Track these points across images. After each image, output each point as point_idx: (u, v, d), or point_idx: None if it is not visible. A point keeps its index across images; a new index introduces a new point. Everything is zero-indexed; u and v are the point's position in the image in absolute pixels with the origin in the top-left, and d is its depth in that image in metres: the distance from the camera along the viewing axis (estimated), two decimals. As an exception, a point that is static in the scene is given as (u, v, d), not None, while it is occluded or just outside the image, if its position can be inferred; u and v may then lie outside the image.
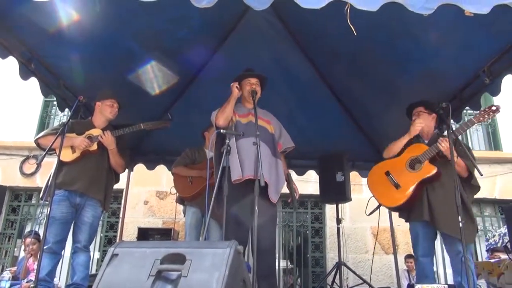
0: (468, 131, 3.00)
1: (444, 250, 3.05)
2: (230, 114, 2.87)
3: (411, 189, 2.96)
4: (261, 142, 2.51)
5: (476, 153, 7.48)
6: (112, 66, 3.36)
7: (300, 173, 5.12)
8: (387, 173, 3.12)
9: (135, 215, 6.85)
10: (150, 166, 5.06)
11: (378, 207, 3.29)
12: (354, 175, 4.87)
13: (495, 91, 2.90)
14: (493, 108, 2.88)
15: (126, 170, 4.74)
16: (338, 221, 4.51)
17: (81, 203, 3.02)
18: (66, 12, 2.69)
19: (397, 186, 3.04)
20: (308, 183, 6.05)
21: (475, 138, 7.95)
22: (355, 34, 1.92)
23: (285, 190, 2.94)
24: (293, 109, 4.33)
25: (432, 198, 2.94)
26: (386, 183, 3.10)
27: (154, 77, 3.75)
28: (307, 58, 3.95)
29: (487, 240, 5.71)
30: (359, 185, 6.34)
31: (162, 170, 5.14)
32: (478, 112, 2.99)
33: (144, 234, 4.97)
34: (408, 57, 3.11)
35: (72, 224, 3.01)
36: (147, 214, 7.00)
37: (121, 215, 5.42)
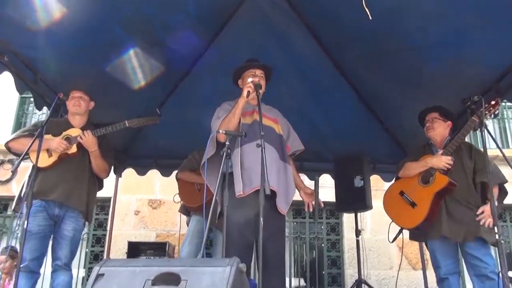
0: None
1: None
2: (236, 124, 2.81)
3: (427, 205, 3.09)
4: (267, 144, 2.50)
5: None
6: (97, 57, 3.38)
7: (313, 177, 5.07)
8: (401, 193, 3.30)
9: (125, 227, 6.89)
10: (141, 171, 5.09)
11: (400, 231, 3.44)
12: (375, 179, 4.86)
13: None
14: (492, 102, 2.96)
15: (114, 176, 4.83)
16: (358, 232, 4.52)
17: (60, 214, 3.03)
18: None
19: (413, 204, 3.19)
20: (323, 188, 5.99)
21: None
22: (370, 18, 1.94)
23: (295, 197, 2.93)
24: (304, 104, 4.34)
25: (451, 209, 3.09)
26: (402, 203, 3.27)
27: (143, 69, 3.77)
28: (320, 45, 3.96)
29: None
30: (381, 191, 6.21)
31: (154, 176, 5.18)
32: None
33: (135, 249, 5.01)
34: (437, 43, 3.12)
35: (51, 239, 3.03)
36: (138, 226, 7.03)
37: (108, 227, 5.46)
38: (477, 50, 3.05)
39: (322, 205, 2.98)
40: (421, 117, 3.48)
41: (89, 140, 3.11)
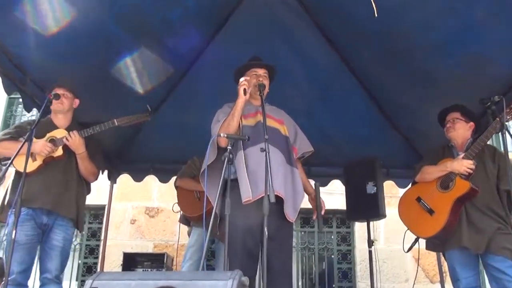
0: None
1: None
2: (236, 127, 2.81)
3: (446, 212, 3.06)
4: (272, 147, 2.50)
5: None
6: (91, 56, 3.39)
7: (323, 183, 5.07)
8: (418, 199, 3.28)
9: (120, 237, 6.92)
10: (138, 177, 5.11)
11: (416, 240, 3.42)
12: (389, 186, 4.88)
13: None
14: None
15: (108, 182, 4.88)
16: (370, 242, 4.51)
17: (49, 223, 3.03)
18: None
19: (430, 211, 3.17)
20: (333, 196, 6.02)
21: None
22: (376, 15, 1.97)
23: (303, 204, 2.93)
24: (312, 105, 4.37)
25: (472, 217, 3.06)
26: (419, 210, 3.25)
27: (140, 68, 3.79)
28: (329, 42, 3.98)
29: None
30: (395, 198, 6.20)
31: (152, 182, 5.21)
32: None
33: (131, 260, 5.01)
34: (453, 39, 3.13)
35: (38, 249, 3.03)
36: (135, 236, 7.06)
37: (102, 237, 5.48)
38: (495, 47, 3.06)
39: (323, 212, 2.95)
40: (441, 117, 3.45)
41: (76, 142, 3.09)
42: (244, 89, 2.78)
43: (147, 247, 6.91)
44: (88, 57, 3.39)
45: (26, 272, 2.91)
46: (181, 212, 4.09)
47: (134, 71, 3.76)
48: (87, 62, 3.42)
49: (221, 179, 2.36)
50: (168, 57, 3.82)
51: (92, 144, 3.30)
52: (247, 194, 2.62)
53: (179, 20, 3.49)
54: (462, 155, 3.13)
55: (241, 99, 2.79)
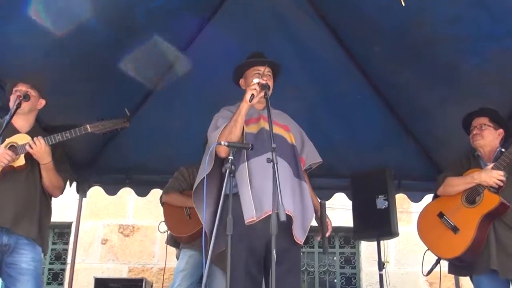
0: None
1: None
2: (239, 135, 2.78)
3: (473, 230, 3.07)
4: (278, 158, 2.43)
5: None
6: (61, 50, 3.34)
7: (325, 196, 5.03)
8: (441, 215, 3.30)
9: (89, 260, 6.84)
10: (111, 190, 5.07)
11: (437, 262, 3.41)
12: (400, 199, 4.87)
13: None
14: None
15: (76, 196, 4.82)
16: (381, 265, 4.48)
17: (9, 243, 2.94)
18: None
19: (454, 229, 3.18)
20: (335, 211, 6.02)
21: None
22: (403, 4, 1.99)
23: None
24: (315, 107, 4.39)
25: (501, 236, 3.06)
26: (441, 228, 3.26)
27: (118, 62, 3.74)
28: (335, 36, 4.02)
29: None
30: (407, 213, 6.35)
31: (127, 196, 5.16)
32: None
33: (103, 286, 4.93)
34: (478, 33, 3.15)
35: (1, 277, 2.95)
36: (107, 258, 6.97)
37: (69, 260, 5.41)
38: None
39: (328, 233, 2.93)
40: (466, 122, 3.46)
41: (41, 150, 3.00)
42: (252, 95, 2.73)
43: (120, 271, 6.83)
44: (54, 50, 3.33)
45: None
46: (169, 232, 4.01)
47: (109, 65, 3.73)
48: (52, 55, 3.37)
49: (222, 193, 2.33)
50: (149, 49, 3.78)
51: (58, 152, 3.23)
52: (250, 213, 2.60)
53: (162, 11, 3.48)
54: (491, 165, 3.13)
55: (246, 104, 2.74)
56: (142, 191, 5.09)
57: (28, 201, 3.04)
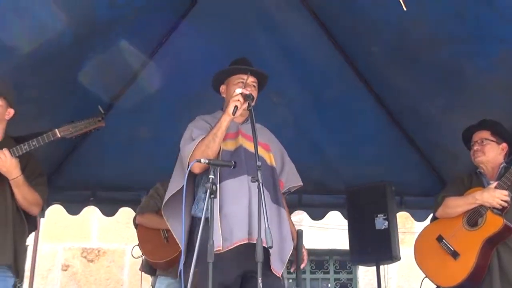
0: None
1: None
2: (217, 151, 2.80)
3: (474, 255, 3.14)
4: (256, 183, 2.47)
5: None
6: (20, 54, 3.37)
7: (317, 216, 5.20)
8: (440, 239, 3.36)
9: (48, 288, 6.87)
10: (73, 208, 5.09)
11: None
12: (402, 218, 5.03)
13: None
14: None
15: None
16: (381, 292, 4.58)
17: None
18: None
19: (454, 254, 3.25)
20: (329, 232, 6.13)
21: None
22: (405, 9, 2.09)
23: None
24: (304, 115, 4.46)
25: (505, 263, 3.13)
26: (440, 253, 3.33)
27: (82, 60, 3.83)
28: (328, 35, 4.10)
29: None
30: (410, 234, 6.36)
31: (90, 216, 5.18)
32: None
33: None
34: (485, 34, 3.23)
35: None
36: (68, 287, 7.00)
37: (25, 289, 5.42)
38: None
39: (305, 263, 3.01)
40: (466, 136, 3.55)
41: (7, 163, 3.03)
42: (236, 107, 2.76)
43: (85, 302, 6.89)
44: (13, 50, 3.35)
45: None
46: (144, 257, 4.02)
47: (73, 64, 3.80)
48: (10, 56, 3.37)
49: (203, 217, 2.40)
50: (118, 45, 3.84)
51: (31, 164, 3.26)
52: (217, 242, 2.59)
53: (128, 9, 3.55)
54: (494, 184, 3.20)
55: (229, 117, 2.77)
56: (108, 210, 5.13)
57: None
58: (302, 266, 2.93)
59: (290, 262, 2.95)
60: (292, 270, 2.99)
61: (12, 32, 3.21)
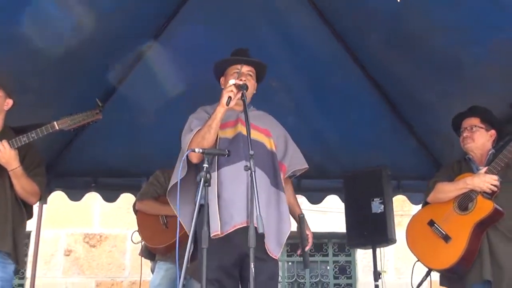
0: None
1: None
2: (213, 141, 2.89)
3: (465, 239, 3.21)
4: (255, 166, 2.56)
5: None
6: (20, 42, 3.39)
7: (316, 200, 5.28)
8: (431, 223, 3.45)
9: (51, 274, 6.93)
10: (75, 194, 5.14)
11: (428, 274, 3.59)
12: (400, 201, 5.13)
13: None
14: None
15: (37, 203, 4.85)
16: (377, 275, 4.62)
17: None
18: None
19: (446, 238, 3.33)
20: (328, 215, 6.16)
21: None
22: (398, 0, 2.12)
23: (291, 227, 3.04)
24: (303, 103, 4.49)
25: (495, 246, 3.20)
26: (432, 237, 3.41)
27: (86, 53, 3.82)
28: (326, 21, 4.13)
29: None
30: (407, 216, 6.39)
31: (93, 201, 5.21)
32: None
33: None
34: (481, 22, 3.26)
35: None
36: (71, 272, 7.08)
37: (29, 274, 5.48)
38: None
39: (310, 244, 3.07)
40: (456, 123, 3.62)
41: (6, 154, 3.08)
42: (229, 98, 2.82)
43: (87, 286, 6.94)
44: (13, 43, 3.37)
45: None
46: (143, 243, 4.07)
47: (78, 56, 3.78)
48: (10, 48, 3.39)
49: (197, 204, 2.47)
50: (117, 32, 3.85)
51: (30, 155, 3.32)
52: (215, 227, 2.71)
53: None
54: (484, 169, 3.28)
55: (223, 108, 2.84)
56: (110, 196, 5.18)
57: None
58: (306, 248, 2.98)
59: (295, 245, 3.02)
60: (298, 253, 3.04)
61: (15, 23, 3.21)
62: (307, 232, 3.01)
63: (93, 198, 5.22)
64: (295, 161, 3.22)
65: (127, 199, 5.20)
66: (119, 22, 3.77)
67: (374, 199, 4.53)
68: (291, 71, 4.33)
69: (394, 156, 4.80)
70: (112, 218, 7.06)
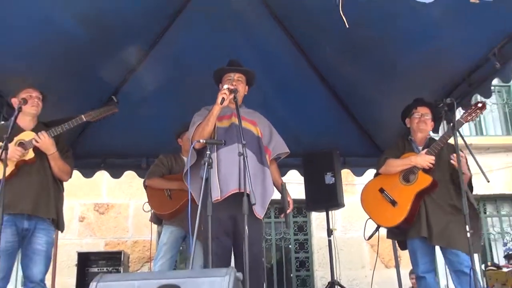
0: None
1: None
2: (211, 132, 3.17)
3: (408, 204, 3.49)
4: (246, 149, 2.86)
5: (490, 139, 8.01)
6: (45, 51, 3.51)
7: (282, 173, 5.26)
8: (381, 190, 3.69)
9: (69, 236, 7.06)
10: (87, 172, 5.26)
11: (377, 229, 3.82)
12: (344, 174, 5.32)
13: (507, 76, 3.39)
14: (479, 105, 3.51)
15: None
16: (330, 232, 4.95)
17: (30, 227, 3.25)
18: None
19: (393, 203, 3.58)
20: (290, 185, 6.37)
21: (490, 121, 8.66)
22: (347, 26, 2.32)
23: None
24: (269, 97, 4.65)
25: (430, 210, 3.50)
26: (382, 201, 3.65)
27: (95, 59, 3.95)
28: (288, 34, 4.27)
29: (505, 244, 6.39)
30: (351, 185, 6.85)
31: (101, 178, 5.33)
32: (464, 111, 3.61)
33: (85, 260, 5.19)
34: (410, 36, 3.50)
35: (19, 256, 3.22)
36: (85, 234, 7.27)
37: (52, 237, 5.56)
38: (447, 44, 3.44)
39: (291, 208, 3.30)
40: (406, 112, 3.82)
41: (46, 142, 3.26)
42: (223, 98, 3.09)
43: (98, 246, 7.11)
44: (42, 53, 3.50)
45: (6, 280, 3.12)
46: (152, 211, 4.31)
47: (90, 61, 3.91)
48: (40, 57, 3.54)
49: (203, 181, 2.71)
50: (124, 39, 3.94)
51: (61, 142, 3.51)
52: (216, 194, 3.01)
53: (133, 11, 3.62)
54: (425, 151, 3.55)
55: (218, 106, 3.12)
56: (115, 173, 5.32)
57: (42, 188, 3.30)
58: (288, 211, 3.19)
59: (279, 209, 3.29)
60: (281, 216, 3.32)
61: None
62: (288, 199, 3.21)
63: (102, 174, 5.37)
64: (278, 146, 3.52)
65: (129, 175, 5.39)
66: (121, 35, 3.85)
67: (327, 173, 4.86)
68: (260, 74, 4.17)
69: (341, 139, 5.06)
70: (117, 191, 7.23)
